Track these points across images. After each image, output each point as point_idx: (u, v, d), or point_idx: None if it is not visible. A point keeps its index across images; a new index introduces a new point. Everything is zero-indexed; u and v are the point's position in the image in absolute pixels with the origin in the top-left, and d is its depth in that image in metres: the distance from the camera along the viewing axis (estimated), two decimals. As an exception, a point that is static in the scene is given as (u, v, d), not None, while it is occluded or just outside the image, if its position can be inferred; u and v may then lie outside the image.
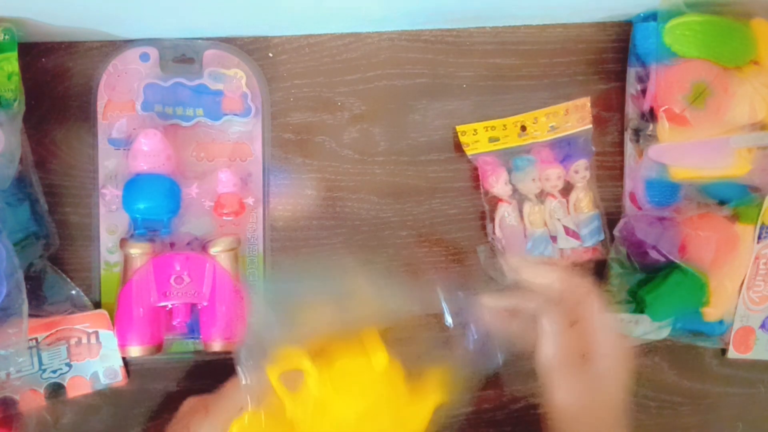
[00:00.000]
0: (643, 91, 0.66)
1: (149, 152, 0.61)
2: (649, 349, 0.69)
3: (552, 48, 0.68)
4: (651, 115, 0.65)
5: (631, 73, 0.67)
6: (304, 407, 0.50)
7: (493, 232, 0.66)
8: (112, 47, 0.64)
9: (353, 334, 0.52)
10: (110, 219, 0.64)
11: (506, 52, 0.68)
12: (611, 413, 0.55)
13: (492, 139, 0.66)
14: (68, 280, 0.63)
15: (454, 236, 0.68)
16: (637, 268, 0.67)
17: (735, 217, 0.66)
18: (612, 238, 0.67)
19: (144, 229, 0.62)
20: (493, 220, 0.66)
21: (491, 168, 0.66)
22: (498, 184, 0.66)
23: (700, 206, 0.65)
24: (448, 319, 0.59)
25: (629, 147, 0.67)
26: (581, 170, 0.67)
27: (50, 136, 0.64)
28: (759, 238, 0.66)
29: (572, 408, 0.54)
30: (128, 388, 0.64)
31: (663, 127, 0.63)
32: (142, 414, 0.65)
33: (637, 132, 0.66)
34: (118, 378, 0.63)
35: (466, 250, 0.68)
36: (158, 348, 0.62)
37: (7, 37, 0.59)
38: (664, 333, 0.66)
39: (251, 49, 0.66)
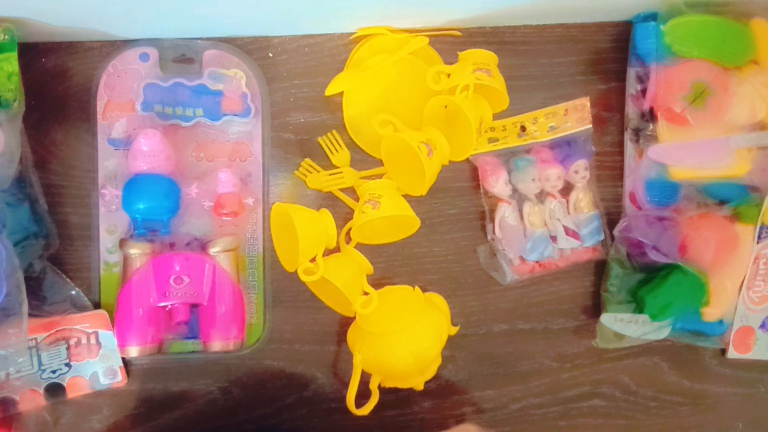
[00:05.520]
0: (643, 91, 0.65)
1: (149, 152, 0.61)
2: (649, 349, 0.69)
3: (552, 48, 0.68)
4: (651, 115, 0.65)
5: (631, 73, 0.67)
6: None
7: (493, 232, 0.66)
8: (112, 47, 0.64)
9: None
10: (110, 219, 0.64)
11: (506, 52, 0.68)
12: None
13: (491, 140, 0.66)
14: (68, 280, 0.63)
15: (454, 236, 0.68)
16: (637, 268, 0.67)
17: (735, 217, 0.66)
18: (612, 238, 0.67)
19: (144, 229, 0.62)
20: (493, 220, 0.66)
21: (491, 168, 0.66)
22: (498, 184, 0.66)
23: (700, 206, 0.65)
24: None
25: (629, 147, 0.67)
26: (581, 170, 0.67)
27: (50, 136, 0.64)
28: (759, 238, 0.65)
29: None
30: (128, 388, 0.64)
31: (663, 127, 0.63)
32: (142, 414, 0.65)
33: (637, 132, 0.66)
34: (118, 378, 0.63)
35: (466, 250, 0.68)
36: (158, 348, 0.62)
37: (7, 37, 0.59)
38: (664, 333, 0.66)
39: (251, 49, 0.66)
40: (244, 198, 0.65)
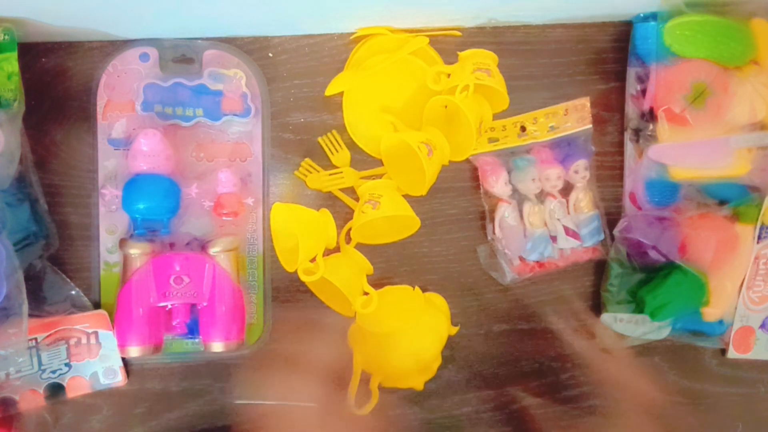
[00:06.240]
0: (643, 91, 0.65)
1: (149, 152, 0.61)
2: (649, 349, 0.69)
3: (552, 48, 0.68)
4: (651, 115, 0.65)
5: (631, 73, 0.67)
6: None
7: (493, 232, 0.66)
8: (112, 47, 0.64)
9: None
10: (110, 219, 0.64)
11: (506, 52, 0.68)
12: None
13: (491, 140, 0.66)
14: (68, 280, 0.63)
15: (454, 236, 0.68)
16: (637, 268, 0.67)
17: (735, 217, 0.66)
18: (612, 238, 0.67)
19: (143, 229, 0.62)
20: (493, 220, 0.66)
21: (491, 168, 0.66)
22: (498, 184, 0.66)
23: (700, 206, 0.65)
24: None
25: (629, 147, 0.67)
26: (581, 170, 0.67)
27: (50, 136, 0.64)
28: (759, 238, 0.65)
29: None
30: (128, 388, 0.64)
31: (663, 127, 0.63)
32: (142, 414, 0.65)
33: (637, 132, 0.66)
34: (118, 378, 0.63)
35: (466, 250, 0.68)
36: (158, 348, 0.62)
37: (7, 37, 0.59)
38: (664, 333, 0.66)
39: (251, 49, 0.66)
40: (244, 198, 0.65)
